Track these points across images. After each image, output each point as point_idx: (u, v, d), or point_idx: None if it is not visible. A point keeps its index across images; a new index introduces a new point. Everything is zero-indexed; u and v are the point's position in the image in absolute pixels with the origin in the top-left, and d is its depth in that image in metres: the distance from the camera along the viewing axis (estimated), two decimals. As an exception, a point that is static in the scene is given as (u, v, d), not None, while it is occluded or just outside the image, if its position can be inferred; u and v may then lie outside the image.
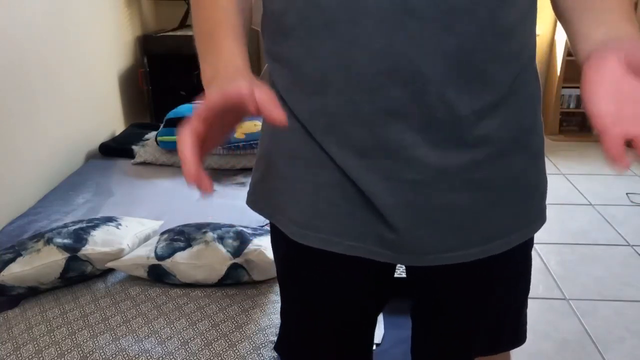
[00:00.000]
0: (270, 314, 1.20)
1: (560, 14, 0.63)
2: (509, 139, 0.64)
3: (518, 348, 0.87)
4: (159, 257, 1.27)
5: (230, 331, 1.14)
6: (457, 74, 0.58)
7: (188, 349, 1.09)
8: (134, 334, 1.13)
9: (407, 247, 0.66)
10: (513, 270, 0.77)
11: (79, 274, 1.29)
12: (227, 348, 1.10)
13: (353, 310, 0.79)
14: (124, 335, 1.13)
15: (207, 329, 1.14)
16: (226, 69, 0.55)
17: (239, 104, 0.50)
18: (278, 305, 1.23)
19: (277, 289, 1.29)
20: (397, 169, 0.62)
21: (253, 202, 0.77)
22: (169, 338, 1.12)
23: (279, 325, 1.16)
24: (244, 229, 1.35)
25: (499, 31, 0.59)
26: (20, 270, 1.24)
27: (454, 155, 0.62)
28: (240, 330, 1.15)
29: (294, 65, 0.63)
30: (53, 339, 1.12)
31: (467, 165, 0.63)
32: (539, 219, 0.73)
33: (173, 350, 1.08)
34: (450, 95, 0.59)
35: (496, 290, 0.77)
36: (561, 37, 3.52)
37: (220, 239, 1.30)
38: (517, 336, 0.86)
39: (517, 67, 0.63)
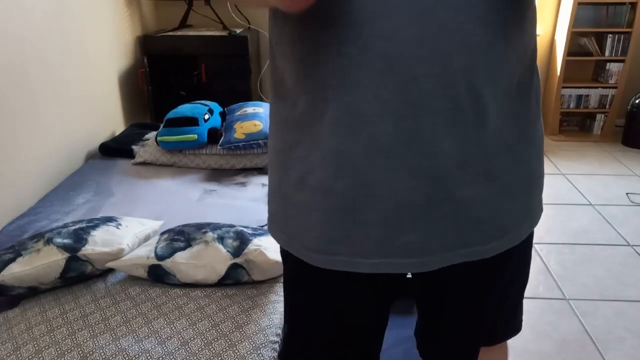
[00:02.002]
0: (270, 314, 1.20)
1: None
2: (521, 130, 0.67)
3: (520, 348, 0.88)
4: (159, 257, 1.27)
5: (230, 331, 1.14)
6: (484, 62, 0.60)
7: (188, 349, 1.09)
8: (134, 334, 1.13)
9: (429, 244, 0.66)
10: (517, 260, 0.79)
11: (79, 274, 1.29)
12: (227, 348, 1.10)
13: (367, 316, 0.79)
14: (124, 335, 1.13)
15: (207, 329, 1.14)
16: None
17: None
18: (278, 305, 1.23)
19: (277, 289, 1.29)
20: (422, 165, 0.62)
21: (272, 230, 0.78)
22: (169, 338, 1.12)
23: (279, 325, 1.17)
24: (244, 229, 1.35)
25: (519, 23, 0.62)
26: (20, 270, 1.24)
27: (474, 146, 0.63)
28: (240, 330, 1.15)
29: (318, 66, 0.62)
30: (53, 339, 1.12)
31: (483, 156, 0.64)
32: (539, 209, 0.76)
33: (173, 350, 1.08)
34: (477, 84, 0.60)
35: (501, 281, 0.78)
36: (561, 37, 3.52)
37: (220, 239, 1.30)
38: (514, 326, 0.87)
39: (527, 61, 0.66)
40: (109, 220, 1.43)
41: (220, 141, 2.13)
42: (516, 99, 0.65)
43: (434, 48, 0.58)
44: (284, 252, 0.80)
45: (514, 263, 0.79)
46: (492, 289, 0.78)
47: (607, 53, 3.52)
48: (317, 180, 0.67)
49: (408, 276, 0.84)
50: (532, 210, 0.73)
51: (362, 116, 0.61)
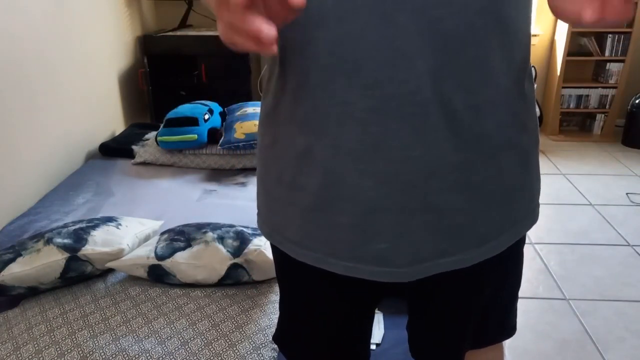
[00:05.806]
0: (270, 314, 1.20)
1: None
2: (501, 137, 0.64)
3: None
4: (159, 257, 1.27)
5: (230, 331, 1.14)
6: (453, 67, 0.58)
7: (188, 349, 1.09)
8: (134, 334, 1.13)
9: (403, 255, 0.66)
10: (505, 267, 0.78)
11: (79, 274, 1.29)
12: (227, 348, 1.10)
13: (347, 311, 0.80)
14: (124, 335, 1.13)
15: (207, 329, 1.14)
16: None
17: None
18: (278, 305, 1.23)
19: (276, 289, 1.29)
20: (392, 172, 0.62)
21: (259, 223, 0.80)
22: (169, 338, 1.12)
23: (279, 325, 1.17)
24: (244, 229, 1.35)
25: (494, 22, 0.58)
26: (20, 270, 1.24)
27: (448, 154, 0.62)
28: (240, 330, 1.15)
29: (287, 66, 0.63)
30: (53, 339, 1.12)
31: (460, 164, 0.63)
32: (530, 218, 0.73)
33: (173, 350, 1.08)
34: (446, 90, 0.59)
35: (488, 287, 0.78)
36: (561, 37, 3.52)
37: (220, 239, 1.30)
38: (505, 329, 0.87)
39: (511, 62, 0.63)
40: (109, 220, 1.43)
41: (220, 141, 2.13)
42: (500, 105, 0.62)
43: (395, 51, 0.56)
44: (272, 244, 0.82)
45: (503, 267, 0.78)
46: (479, 293, 0.77)
47: (607, 53, 3.52)
48: (291, 177, 0.68)
49: None
50: (517, 219, 0.71)
51: (328, 117, 0.61)
